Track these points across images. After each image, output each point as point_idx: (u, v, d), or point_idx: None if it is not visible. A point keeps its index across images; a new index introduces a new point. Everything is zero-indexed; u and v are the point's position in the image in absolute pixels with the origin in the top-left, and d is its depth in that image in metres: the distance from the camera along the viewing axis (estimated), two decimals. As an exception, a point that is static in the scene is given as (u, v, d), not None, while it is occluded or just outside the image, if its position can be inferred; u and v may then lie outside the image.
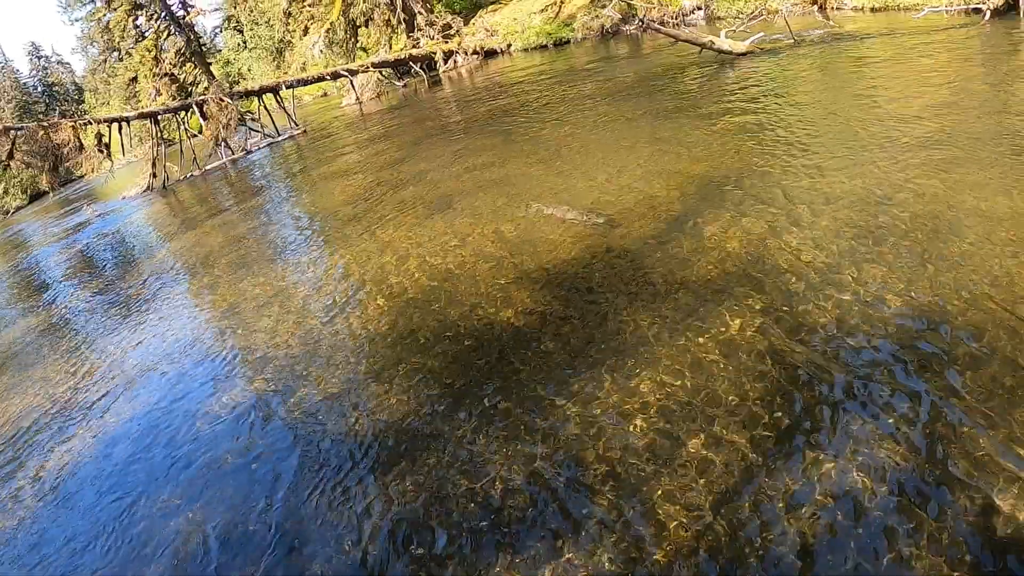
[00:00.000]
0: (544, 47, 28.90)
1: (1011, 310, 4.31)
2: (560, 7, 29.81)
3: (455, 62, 31.77)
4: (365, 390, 5.69)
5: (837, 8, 18.24)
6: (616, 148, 10.73)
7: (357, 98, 29.36)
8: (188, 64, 46.14)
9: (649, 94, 14.32)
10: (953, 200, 6.00)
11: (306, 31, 34.84)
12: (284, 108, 25.36)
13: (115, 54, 52.49)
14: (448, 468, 4.41)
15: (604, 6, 26.18)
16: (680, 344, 4.99)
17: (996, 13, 13.09)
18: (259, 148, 24.16)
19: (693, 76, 14.79)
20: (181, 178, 23.45)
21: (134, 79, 49.30)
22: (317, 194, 13.95)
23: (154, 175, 23.22)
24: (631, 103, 13.85)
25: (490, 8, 35.18)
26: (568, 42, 28.11)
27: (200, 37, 54.19)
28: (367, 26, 32.83)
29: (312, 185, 15.14)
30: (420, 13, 31.30)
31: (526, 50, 29.84)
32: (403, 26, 32.08)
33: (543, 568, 3.51)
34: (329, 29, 32.33)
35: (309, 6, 34.07)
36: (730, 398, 4.26)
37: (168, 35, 46.74)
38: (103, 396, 7.19)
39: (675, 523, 3.54)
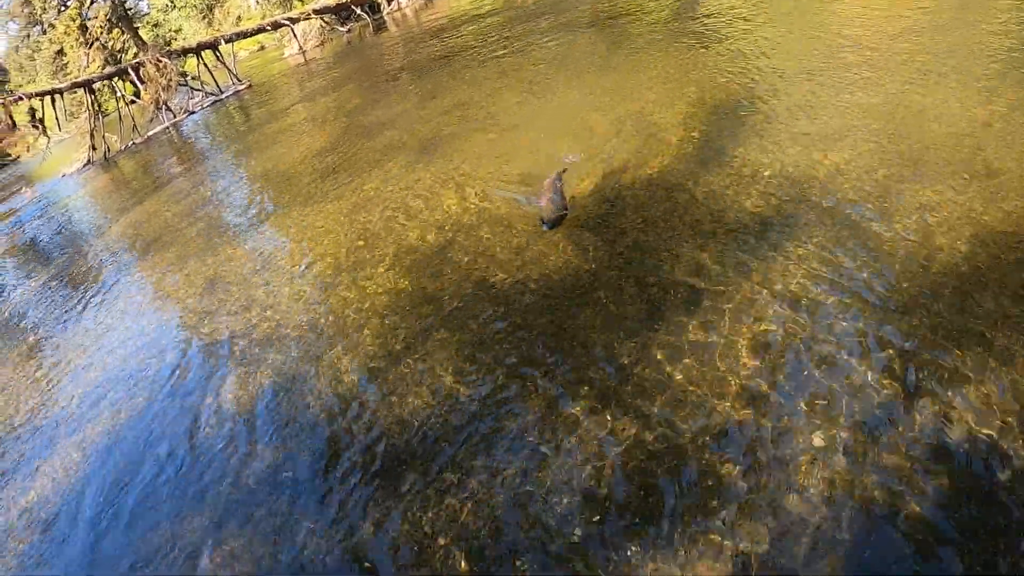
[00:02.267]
0: (490, -19, 27.39)
1: None
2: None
3: (399, 3, 30.08)
4: (388, 382, 4.68)
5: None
6: (591, 75, 9.84)
7: (300, 47, 27.59)
8: (115, 30, 43.39)
9: (605, 27, 13.32)
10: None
11: (238, -19, 32.78)
12: (225, 64, 23.64)
13: (37, 28, 49.17)
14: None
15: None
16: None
17: None
18: (203, 108, 22.42)
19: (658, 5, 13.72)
20: (122, 148, 21.51)
21: (60, 51, 46.27)
22: (280, 149, 12.42)
23: (93, 148, 21.39)
24: (591, 36, 12.87)
25: (430, -57, 33.30)
26: (516, -25, 26.64)
27: (125, 1, 51.14)
28: (302, -29, 30.85)
29: (271, 141, 13.58)
30: (358, -48, 29.44)
31: (474, -15, 28.32)
32: (340, -32, 30.20)
33: None
34: (264, -24, 30.32)
35: (239, -47, 31.97)
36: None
37: (92, 2, 43.81)
38: (69, 409, 6.06)
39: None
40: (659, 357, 3.97)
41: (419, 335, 5.01)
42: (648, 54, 10.36)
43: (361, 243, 6.80)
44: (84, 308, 8.32)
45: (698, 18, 11.43)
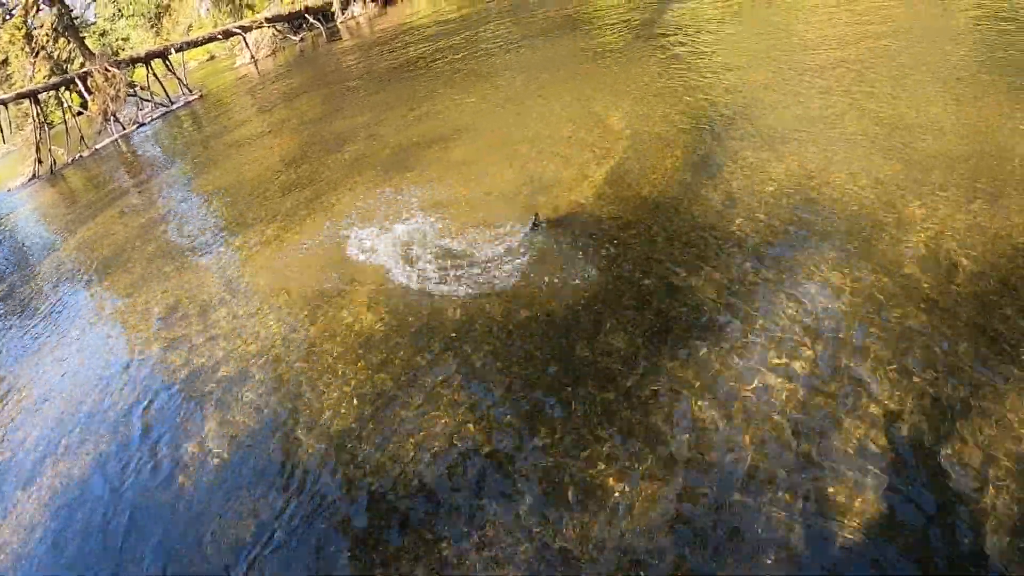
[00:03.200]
0: (451, -12, 27.07)
1: None
2: (461, -58, 27.84)
3: (353, 12, 29.57)
4: (375, 423, 4.32)
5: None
6: (556, 87, 9.63)
7: (252, 57, 26.92)
8: (62, 39, 41.99)
9: (567, 36, 13.16)
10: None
11: (187, -10, 31.92)
12: (175, 74, 22.92)
13: (-19, 38, 47.50)
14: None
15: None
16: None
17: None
18: (153, 119, 21.66)
19: (630, 12, 13.60)
20: (69, 161, 20.52)
21: (4, 61, 44.68)
22: (237, 162, 11.89)
23: (39, 161, 20.46)
24: (552, 44, 12.67)
25: (383, -49, 32.84)
26: (475, -20, 26.36)
27: (72, 9, 49.51)
28: (253, -21, 30.17)
29: (228, 153, 13.00)
30: (310, -41, 28.89)
31: (431, -8, 27.94)
32: (292, -24, 29.61)
33: None
34: (215, -16, 29.57)
35: (188, -39, 31.13)
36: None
37: (37, 10, 42.33)
38: (16, 457, 5.54)
39: None
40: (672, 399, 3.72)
41: (403, 371, 4.66)
42: (613, 63, 10.21)
43: (334, 267, 6.39)
44: (34, 339, 7.66)
45: (658, 26, 11.31)
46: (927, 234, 4.40)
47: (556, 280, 5.03)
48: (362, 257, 6.32)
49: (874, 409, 3.33)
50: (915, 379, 3.42)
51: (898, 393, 3.39)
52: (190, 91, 22.78)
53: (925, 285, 3.98)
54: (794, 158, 5.86)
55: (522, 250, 5.51)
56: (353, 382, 4.73)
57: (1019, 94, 5.83)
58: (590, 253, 5.27)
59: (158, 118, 21.74)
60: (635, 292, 4.66)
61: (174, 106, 22.12)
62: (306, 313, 5.82)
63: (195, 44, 24.97)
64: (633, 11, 13.40)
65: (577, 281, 4.95)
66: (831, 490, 2.99)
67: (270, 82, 21.46)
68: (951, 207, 4.62)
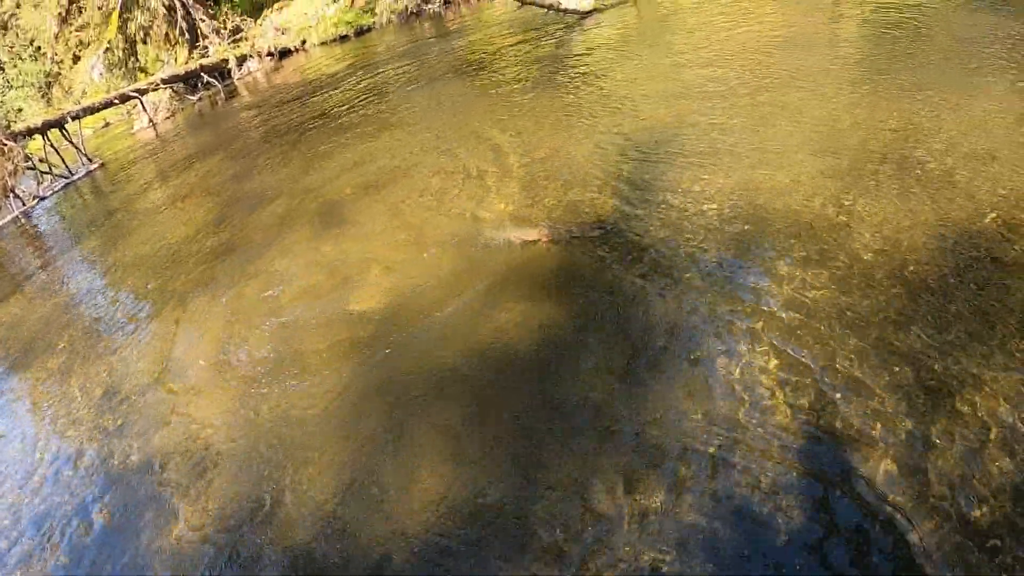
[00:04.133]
0: (345, 37, 26.98)
1: None
2: (355, -7, 27.92)
3: (249, 68, 29.16)
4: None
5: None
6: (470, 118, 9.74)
7: (151, 120, 26.17)
8: (-52, 115, 40.09)
9: (471, 73, 13.35)
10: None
11: (76, 59, 30.84)
12: (73, 143, 22.06)
13: None
14: None
15: (402, -14, 24.70)
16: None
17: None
18: (54, 192, 20.75)
19: (530, 45, 13.88)
20: (-35, 242, 19.58)
21: None
22: (153, 231, 11.46)
23: (-70, 244, 19.44)
24: (458, 84, 12.84)
25: (275, 7, 32.57)
26: (370, 29, 26.39)
27: (-40, 84, 47.31)
28: (146, 43, 29.46)
29: (141, 222, 12.51)
30: (203, 20, 28.41)
31: (324, 44, 27.73)
32: (185, 37, 29.03)
33: None
34: (108, 49, 28.71)
35: (77, 30, 30.10)
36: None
37: (-76, 86, 40.33)
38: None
39: None
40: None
41: (379, 440, 4.60)
42: (523, 98, 10.40)
43: (282, 336, 6.25)
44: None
45: (559, 61, 11.56)
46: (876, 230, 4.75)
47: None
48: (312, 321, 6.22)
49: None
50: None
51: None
52: (90, 160, 21.93)
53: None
54: (731, 170, 6.14)
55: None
56: (326, 456, 4.64)
57: (919, 92, 6.32)
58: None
59: (59, 190, 20.80)
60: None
61: (75, 177, 21.24)
62: (253, 388, 5.68)
63: (93, 110, 24.10)
64: (527, 48, 13.69)
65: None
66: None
67: (173, 145, 20.91)
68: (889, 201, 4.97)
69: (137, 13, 28.00)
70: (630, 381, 4.35)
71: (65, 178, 21.38)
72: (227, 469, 4.87)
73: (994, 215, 4.77)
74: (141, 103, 25.57)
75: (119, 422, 5.98)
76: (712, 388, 4.09)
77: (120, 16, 27.89)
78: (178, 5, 27.82)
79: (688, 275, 5.17)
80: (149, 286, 8.88)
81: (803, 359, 4.07)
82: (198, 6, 28.42)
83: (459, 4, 24.36)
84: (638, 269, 5.43)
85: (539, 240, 6.21)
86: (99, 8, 28.38)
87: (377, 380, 5.17)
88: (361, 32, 26.70)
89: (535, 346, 4.96)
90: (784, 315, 4.47)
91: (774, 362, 4.14)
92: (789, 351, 4.17)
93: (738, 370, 4.15)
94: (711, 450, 3.71)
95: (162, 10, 27.96)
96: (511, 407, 4.46)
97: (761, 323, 4.48)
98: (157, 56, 30.09)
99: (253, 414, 5.32)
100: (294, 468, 4.59)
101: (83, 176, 21.29)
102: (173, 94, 27.17)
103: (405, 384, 5.02)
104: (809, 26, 10.00)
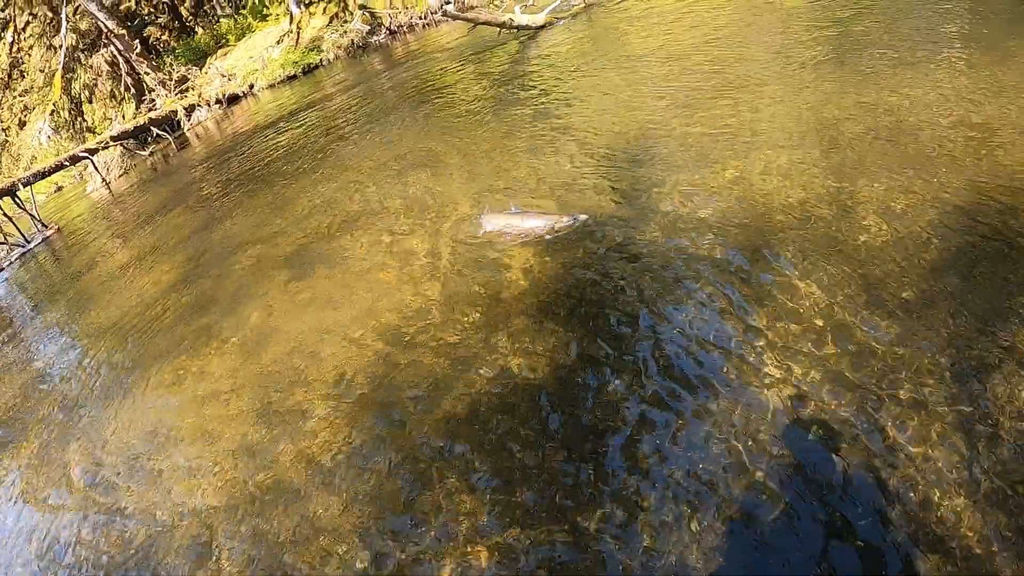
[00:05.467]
0: (293, 77, 26.66)
1: None
2: (298, 34, 27.59)
3: (198, 117, 28.69)
4: None
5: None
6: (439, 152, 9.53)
7: (103, 180, 25.57)
8: None
9: (422, 102, 13.17)
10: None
11: (22, 124, 30.13)
12: (26, 210, 21.46)
13: None
14: None
15: (347, 22, 24.45)
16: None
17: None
18: (11, 263, 20.14)
19: (488, 66, 13.70)
20: (-78, 324, 18.78)
21: None
22: (119, 296, 10.91)
23: None
24: (413, 114, 12.60)
25: (219, 54, 32.17)
26: (318, 67, 26.11)
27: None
28: (91, 102, 28.85)
29: (104, 287, 11.95)
30: (147, 73, 27.89)
31: (272, 86, 27.37)
32: (131, 92, 28.50)
33: None
34: (53, 111, 28.05)
35: (21, 95, 29.41)
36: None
37: None
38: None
39: None
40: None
41: (393, 511, 4.29)
42: (490, 122, 10.24)
43: (274, 396, 5.90)
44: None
45: (518, 81, 11.40)
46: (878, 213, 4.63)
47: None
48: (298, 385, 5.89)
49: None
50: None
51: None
52: (45, 226, 21.31)
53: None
54: (724, 170, 6.01)
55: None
56: (333, 526, 4.31)
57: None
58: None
59: (16, 260, 20.21)
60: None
61: (31, 245, 20.60)
62: (251, 454, 5.33)
63: (44, 175, 23.43)
64: (484, 70, 13.50)
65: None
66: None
67: (129, 203, 20.36)
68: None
69: (80, 72, 27.43)
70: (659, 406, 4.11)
71: (21, 247, 20.72)
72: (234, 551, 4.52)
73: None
74: (92, 163, 24.94)
75: (108, 505, 5.58)
76: (760, 419, 3.85)
77: (63, 76, 27.29)
78: (121, 61, 27.29)
79: (697, 286, 4.96)
80: (120, 357, 8.37)
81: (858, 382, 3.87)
82: (141, 60, 27.93)
83: (404, 33, 24.20)
84: (635, 271, 5.22)
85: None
86: (41, 71, 27.76)
87: (389, 440, 4.86)
88: (308, 70, 26.40)
89: (550, 375, 4.70)
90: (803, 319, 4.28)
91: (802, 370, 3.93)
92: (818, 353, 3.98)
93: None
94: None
95: (105, 67, 27.43)
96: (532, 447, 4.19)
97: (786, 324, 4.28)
98: (104, 114, 29.50)
99: (251, 488, 4.98)
100: (305, 546, 4.26)
101: (39, 243, 20.65)
102: (124, 151, 26.59)
103: (417, 429, 4.73)
104: (758, 22, 10.03)
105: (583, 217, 6.28)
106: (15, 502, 6.38)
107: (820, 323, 4.22)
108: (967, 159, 5.20)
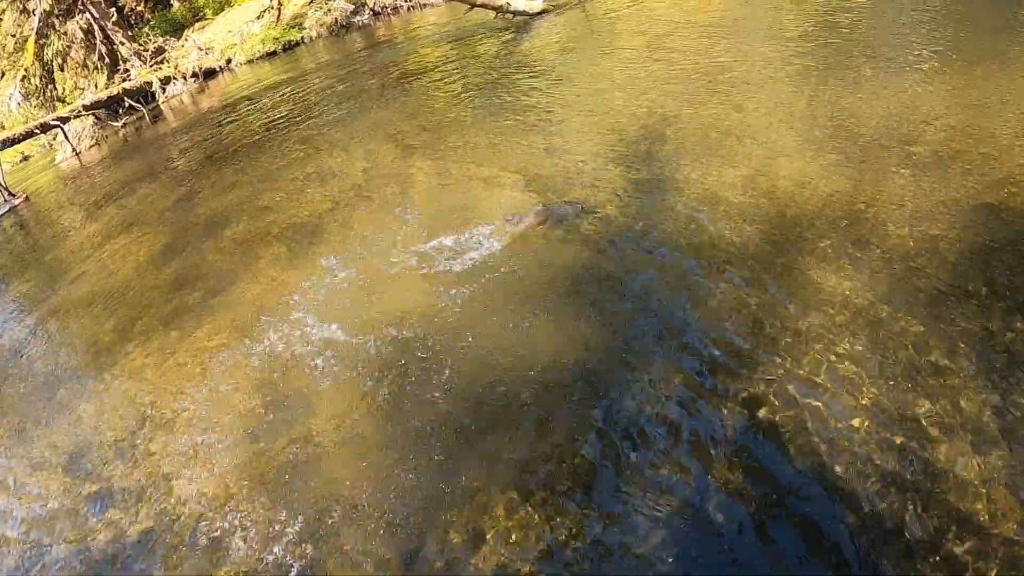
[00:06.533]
0: (273, 54, 26.00)
1: None
2: (280, 10, 26.91)
3: (174, 90, 27.90)
4: None
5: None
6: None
7: (74, 150, 24.71)
8: None
9: (406, 87, 12.87)
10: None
11: (-9, 91, 29.01)
12: (-8, 178, 20.69)
13: None
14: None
15: (329, 0, 23.93)
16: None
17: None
18: (-25, 232, 19.39)
19: (478, 49, 13.42)
20: None
21: None
22: (98, 266, 10.38)
23: None
24: (393, 98, 12.29)
25: (196, 27, 31.29)
26: (299, 44, 25.51)
27: None
28: (63, 70, 27.88)
29: (81, 258, 11.32)
30: (122, 43, 27.03)
31: (251, 62, 26.66)
32: (105, 61, 27.59)
33: None
34: (24, 77, 27.04)
35: (-10, 60, 28.33)
36: None
37: None
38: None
39: None
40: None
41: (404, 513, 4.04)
42: (490, 109, 9.99)
43: (273, 379, 5.58)
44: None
45: (506, 71, 11.16)
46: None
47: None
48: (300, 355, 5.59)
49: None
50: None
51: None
52: (12, 195, 20.54)
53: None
54: (745, 165, 5.88)
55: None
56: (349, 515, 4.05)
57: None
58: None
59: (-19, 229, 19.46)
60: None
61: (-1, 213, 19.88)
62: (255, 435, 5.03)
63: (13, 141, 22.59)
64: (464, 62, 13.22)
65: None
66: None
67: (102, 174, 19.65)
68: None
69: (54, 38, 26.48)
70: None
71: (-13, 216, 19.99)
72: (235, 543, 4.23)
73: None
74: (63, 132, 24.11)
75: (94, 493, 5.23)
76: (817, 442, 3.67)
77: (36, 42, 26.32)
78: (96, 29, 26.40)
79: (726, 278, 4.76)
80: (105, 330, 7.93)
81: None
82: (117, 29, 27.05)
83: (389, 15, 23.74)
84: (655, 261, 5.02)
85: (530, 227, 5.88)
86: (12, 36, 26.76)
87: (393, 411, 4.60)
88: (289, 47, 25.78)
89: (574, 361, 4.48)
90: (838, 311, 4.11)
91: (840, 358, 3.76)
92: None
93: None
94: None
95: (80, 34, 26.51)
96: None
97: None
98: (75, 84, 28.53)
99: (258, 477, 4.68)
100: (313, 539, 4.00)
101: (6, 211, 19.86)
102: (96, 121, 25.73)
103: (424, 412, 4.48)
104: (756, 14, 9.94)
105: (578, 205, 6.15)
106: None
107: (852, 318, 4.07)
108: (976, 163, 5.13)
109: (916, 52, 7.24)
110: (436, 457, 4.15)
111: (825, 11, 9.35)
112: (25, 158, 34.50)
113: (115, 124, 26.53)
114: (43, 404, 6.84)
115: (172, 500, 4.72)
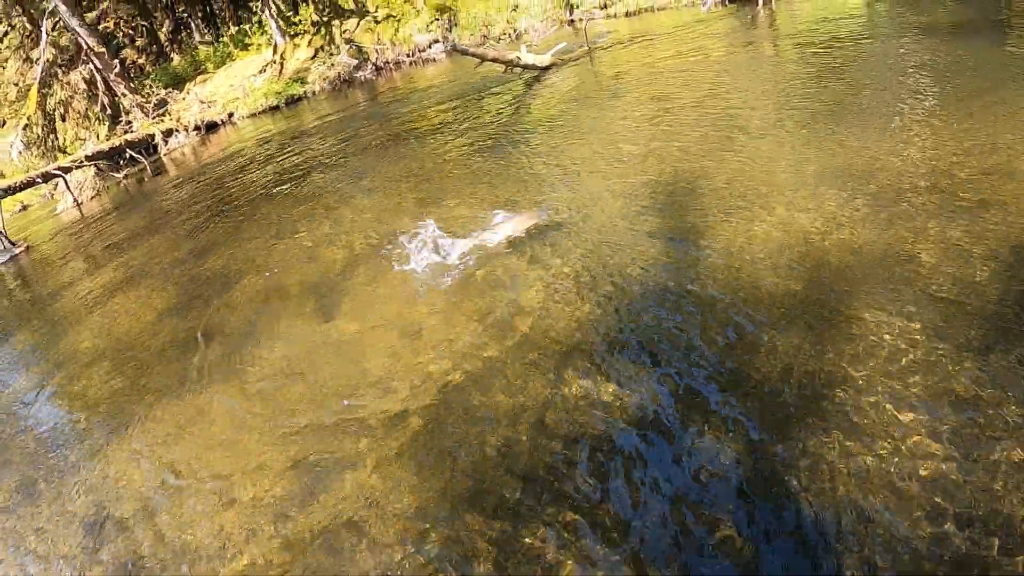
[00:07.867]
0: (275, 108, 26.14)
1: None
2: (282, 65, 27.11)
3: (175, 143, 27.92)
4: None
5: (590, 19, 18.07)
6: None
7: (75, 200, 24.55)
8: None
9: (416, 139, 12.84)
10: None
11: (-7, 140, 29.03)
12: (-7, 226, 20.46)
13: None
14: None
15: (333, 55, 24.10)
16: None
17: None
18: (-26, 281, 19.10)
19: (482, 107, 13.44)
20: None
21: None
22: (101, 320, 10.14)
23: None
24: (418, 153, 12.25)
25: (198, 80, 31.49)
26: (302, 98, 25.63)
27: None
28: (64, 120, 27.89)
29: (84, 311, 11.07)
30: (124, 95, 27.11)
31: (253, 115, 26.77)
32: (107, 112, 27.64)
33: None
34: (26, 126, 26.99)
35: (-7, 108, 28.41)
36: None
37: None
38: None
39: None
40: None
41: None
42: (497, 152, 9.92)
43: (303, 438, 5.36)
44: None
45: (513, 122, 11.15)
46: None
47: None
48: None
49: None
50: None
51: None
52: (13, 244, 20.32)
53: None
54: (768, 215, 5.81)
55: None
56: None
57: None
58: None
59: (-20, 278, 19.18)
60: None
61: (-1, 262, 19.61)
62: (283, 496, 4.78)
63: (15, 190, 22.40)
64: (467, 118, 13.23)
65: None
66: None
67: (105, 226, 19.46)
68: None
69: (57, 88, 26.54)
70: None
71: (-13, 265, 19.72)
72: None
73: None
74: (65, 182, 23.99)
75: (116, 553, 4.94)
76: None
77: (39, 91, 26.36)
78: (99, 79, 26.50)
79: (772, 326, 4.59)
80: (111, 387, 7.65)
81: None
82: (119, 80, 27.15)
83: (391, 70, 23.92)
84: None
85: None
86: (15, 84, 26.82)
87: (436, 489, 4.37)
88: (291, 102, 25.91)
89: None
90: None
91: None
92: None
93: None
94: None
95: (82, 85, 26.59)
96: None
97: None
98: (76, 134, 28.52)
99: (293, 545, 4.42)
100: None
101: (7, 260, 19.62)
102: (97, 172, 25.64)
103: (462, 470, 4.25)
104: (759, 64, 10.05)
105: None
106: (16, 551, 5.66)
107: (902, 358, 3.92)
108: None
109: (930, 95, 7.33)
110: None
111: (827, 61, 9.46)
112: (24, 207, 34.25)
113: (116, 175, 26.45)
114: (57, 461, 6.53)
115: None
